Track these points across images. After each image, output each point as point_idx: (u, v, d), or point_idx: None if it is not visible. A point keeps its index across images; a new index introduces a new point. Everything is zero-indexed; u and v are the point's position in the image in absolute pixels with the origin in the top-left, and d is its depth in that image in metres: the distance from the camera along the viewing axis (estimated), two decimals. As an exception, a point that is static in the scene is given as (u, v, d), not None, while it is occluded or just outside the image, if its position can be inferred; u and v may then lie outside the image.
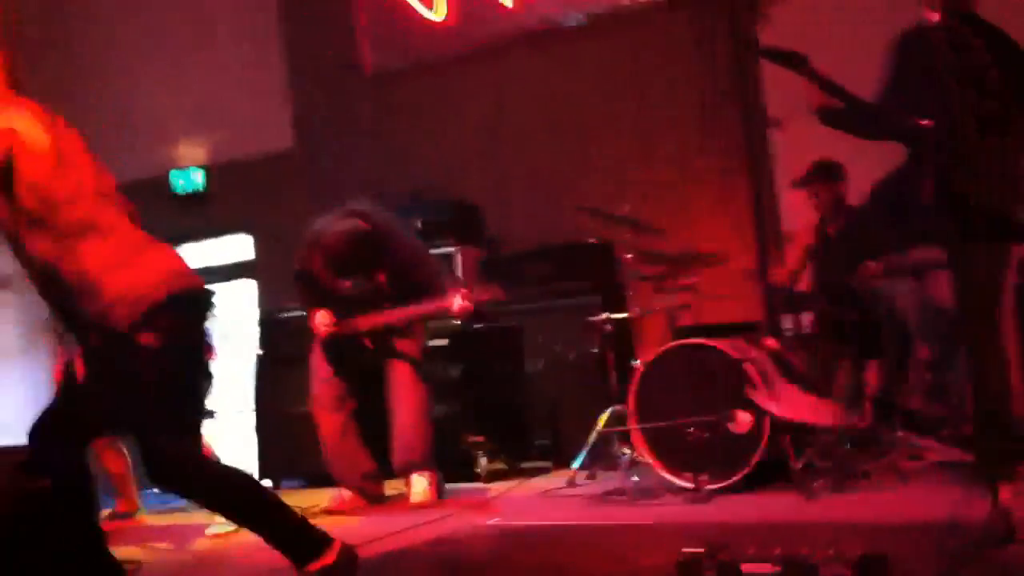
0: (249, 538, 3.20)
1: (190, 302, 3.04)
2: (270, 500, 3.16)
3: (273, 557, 3.12)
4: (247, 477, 3.19)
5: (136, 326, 2.85)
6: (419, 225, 6.19)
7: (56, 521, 2.86)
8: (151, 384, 2.91)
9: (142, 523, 5.24)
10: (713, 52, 6.13)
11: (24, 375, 7.80)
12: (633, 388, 4.51)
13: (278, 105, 7.56)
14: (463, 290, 4.76)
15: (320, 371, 5.02)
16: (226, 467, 3.25)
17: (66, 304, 2.96)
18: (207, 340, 3.13)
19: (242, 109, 7.68)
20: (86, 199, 2.94)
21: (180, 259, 3.10)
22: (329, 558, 3.03)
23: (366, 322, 4.90)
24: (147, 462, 3.00)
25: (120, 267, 2.90)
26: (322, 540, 3.06)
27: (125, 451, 5.37)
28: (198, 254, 7.54)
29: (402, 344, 4.91)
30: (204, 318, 3.10)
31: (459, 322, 5.12)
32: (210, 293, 3.12)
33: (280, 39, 7.62)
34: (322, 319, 4.98)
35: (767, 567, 2.52)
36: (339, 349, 4.97)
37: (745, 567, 2.54)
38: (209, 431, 5.26)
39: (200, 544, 4.47)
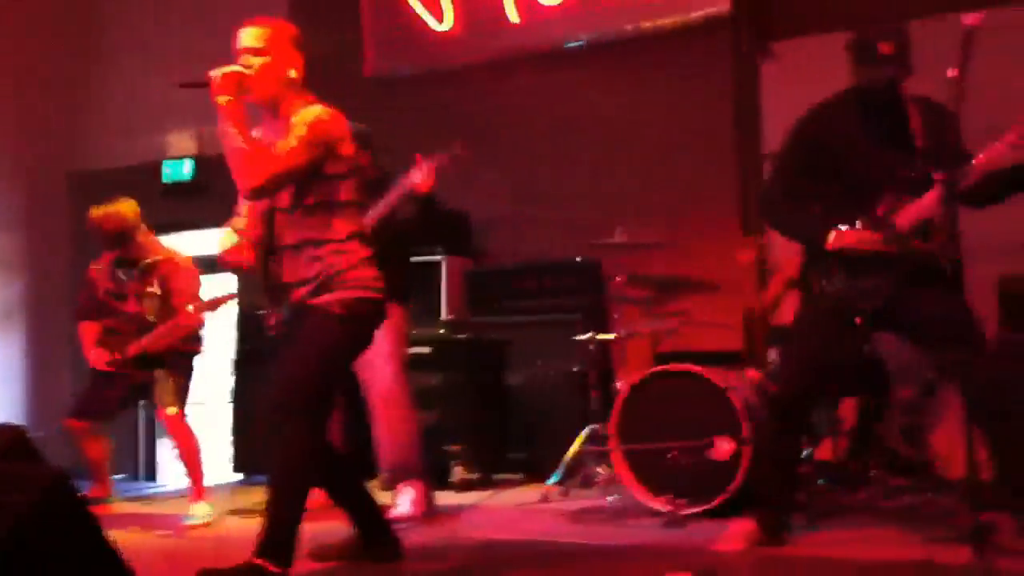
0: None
1: None
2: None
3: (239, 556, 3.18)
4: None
5: None
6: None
7: None
8: None
9: (114, 510, 5.22)
10: (713, 83, 6.21)
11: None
12: (616, 409, 4.56)
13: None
14: (419, 161, 4.60)
15: None
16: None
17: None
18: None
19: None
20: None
21: None
22: (277, 571, 3.14)
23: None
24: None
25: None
26: (289, 556, 3.19)
27: (106, 438, 5.36)
28: (191, 244, 7.52)
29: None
30: None
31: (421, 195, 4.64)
32: None
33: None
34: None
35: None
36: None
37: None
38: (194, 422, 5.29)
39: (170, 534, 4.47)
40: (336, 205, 3.39)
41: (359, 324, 3.40)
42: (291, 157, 3.28)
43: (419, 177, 4.58)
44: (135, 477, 6.70)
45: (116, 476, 6.61)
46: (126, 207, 5.19)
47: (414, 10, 7.07)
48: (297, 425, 3.25)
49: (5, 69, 7.83)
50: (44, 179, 8.19)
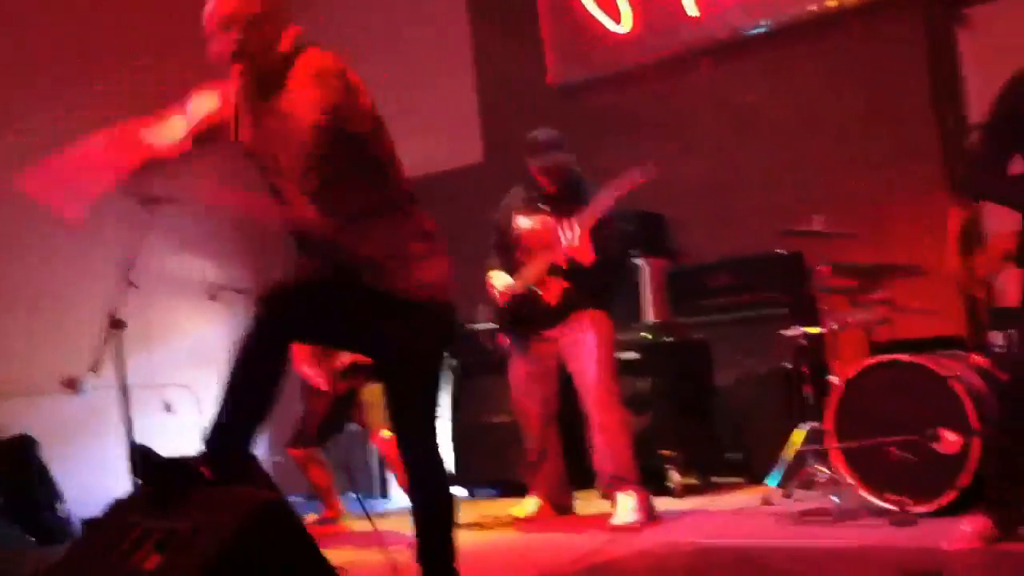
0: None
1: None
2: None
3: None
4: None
5: None
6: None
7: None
8: None
9: (347, 528, 5.48)
10: (908, 57, 5.96)
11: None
12: (832, 405, 4.46)
13: (468, 120, 7.76)
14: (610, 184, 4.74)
15: (518, 375, 5.12)
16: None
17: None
18: None
19: (434, 124, 7.90)
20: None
21: None
22: None
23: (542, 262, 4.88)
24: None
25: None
26: None
27: (326, 462, 5.65)
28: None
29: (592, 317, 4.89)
30: None
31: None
32: None
33: (470, 54, 7.80)
34: (497, 278, 5.03)
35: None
36: (519, 318, 5.00)
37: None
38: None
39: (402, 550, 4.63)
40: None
41: None
42: None
43: (610, 197, 4.71)
44: (370, 495, 7.00)
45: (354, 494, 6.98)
46: None
47: (591, 14, 7.10)
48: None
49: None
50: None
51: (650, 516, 4.71)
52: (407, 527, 4.62)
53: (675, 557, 4.03)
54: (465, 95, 7.79)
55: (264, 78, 2.96)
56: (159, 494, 2.84)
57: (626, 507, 4.69)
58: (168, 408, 7.42)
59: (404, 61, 7.98)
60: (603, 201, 4.74)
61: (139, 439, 5.81)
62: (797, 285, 5.89)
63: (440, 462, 3.20)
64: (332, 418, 5.61)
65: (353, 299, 3.04)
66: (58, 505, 6.38)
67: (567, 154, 5.06)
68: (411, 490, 3.22)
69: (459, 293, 7.36)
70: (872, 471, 4.27)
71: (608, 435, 4.77)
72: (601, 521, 4.78)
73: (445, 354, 3.30)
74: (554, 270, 4.90)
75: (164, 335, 7.48)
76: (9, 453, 6.36)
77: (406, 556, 4.34)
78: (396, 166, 3.09)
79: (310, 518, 5.50)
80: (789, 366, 5.47)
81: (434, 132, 7.85)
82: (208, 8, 2.97)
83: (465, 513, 5.40)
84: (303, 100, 2.86)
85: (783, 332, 5.21)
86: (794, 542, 4.03)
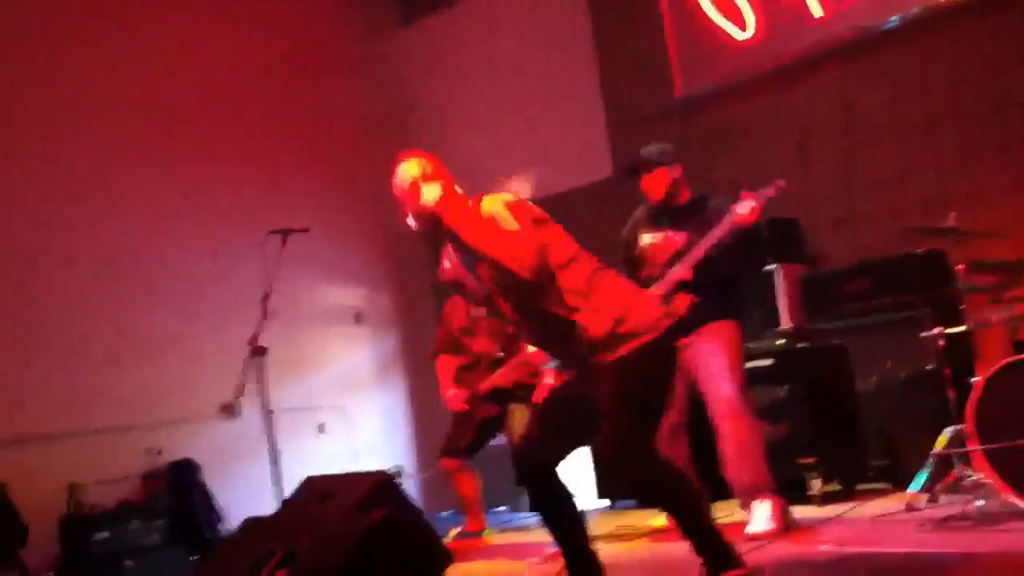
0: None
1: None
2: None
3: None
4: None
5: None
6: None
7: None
8: None
9: (488, 542, 5.60)
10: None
11: (380, 403, 8.55)
12: (971, 406, 4.31)
13: (597, 137, 7.83)
14: (743, 196, 4.61)
15: None
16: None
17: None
18: None
19: (564, 143, 8.00)
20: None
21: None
22: (742, 572, 3.31)
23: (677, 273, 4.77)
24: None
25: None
26: (734, 558, 3.33)
27: (477, 474, 5.78)
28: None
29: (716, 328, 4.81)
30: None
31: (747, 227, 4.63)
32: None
33: (596, 73, 7.88)
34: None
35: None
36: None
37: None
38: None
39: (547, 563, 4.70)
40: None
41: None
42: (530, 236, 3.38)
43: (745, 210, 4.61)
44: (516, 508, 7.10)
45: (499, 508, 7.09)
46: None
47: (716, 24, 7.08)
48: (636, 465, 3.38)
49: (356, 152, 8.64)
50: (405, 240, 8.85)
51: (786, 524, 4.64)
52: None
53: (807, 566, 3.97)
54: (593, 113, 7.86)
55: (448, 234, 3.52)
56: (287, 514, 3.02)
57: (761, 516, 4.64)
58: (321, 429, 7.73)
59: (532, 84, 8.14)
60: (731, 217, 4.68)
61: (292, 460, 6.09)
62: (939, 285, 5.69)
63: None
64: (480, 434, 5.77)
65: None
66: (219, 525, 6.73)
67: (671, 166, 4.97)
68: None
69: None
70: (1016, 472, 4.11)
71: (739, 445, 4.72)
72: (737, 530, 4.73)
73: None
74: (681, 285, 4.86)
75: (316, 360, 7.82)
76: (174, 476, 6.76)
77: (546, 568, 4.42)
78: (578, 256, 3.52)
79: (453, 531, 5.65)
80: (933, 369, 5.31)
81: (564, 151, 7.97)
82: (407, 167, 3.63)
83: (604, 524, 5.47)
84: (518, 250, 3.35)
85: (923, 334, 5.06)
86: (932, 549, 3.91)
